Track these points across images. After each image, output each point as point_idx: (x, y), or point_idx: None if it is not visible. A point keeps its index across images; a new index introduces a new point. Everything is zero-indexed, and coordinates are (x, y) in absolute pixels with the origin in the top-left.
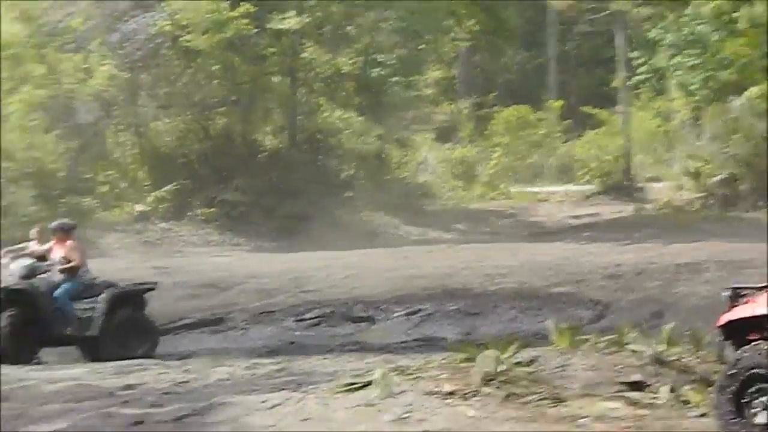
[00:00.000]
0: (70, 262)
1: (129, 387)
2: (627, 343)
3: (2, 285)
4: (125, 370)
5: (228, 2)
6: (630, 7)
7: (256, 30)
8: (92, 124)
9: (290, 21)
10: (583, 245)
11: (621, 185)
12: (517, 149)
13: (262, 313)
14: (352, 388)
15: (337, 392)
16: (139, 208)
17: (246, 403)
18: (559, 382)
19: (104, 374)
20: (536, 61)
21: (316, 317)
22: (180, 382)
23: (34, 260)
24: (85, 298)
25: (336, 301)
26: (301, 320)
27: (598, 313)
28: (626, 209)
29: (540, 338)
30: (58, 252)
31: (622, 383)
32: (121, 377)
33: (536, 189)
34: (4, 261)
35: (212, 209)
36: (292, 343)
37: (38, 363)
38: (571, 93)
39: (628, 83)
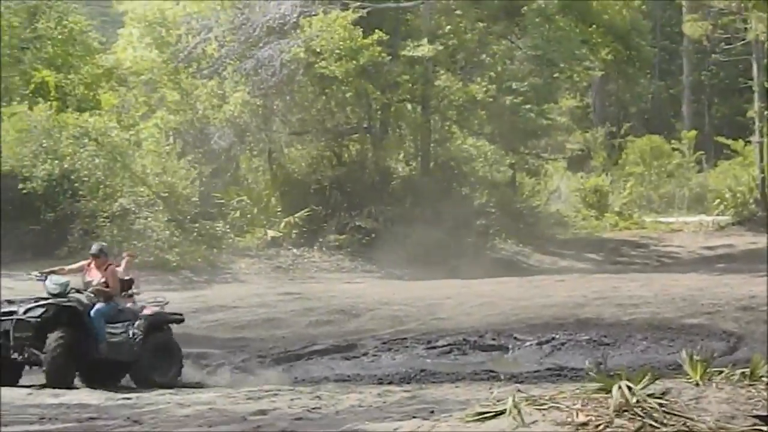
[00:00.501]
0: (108, 286)
1: (261, 412)
2: (762, 376)
3: (50, 300)
4: (257, 395)
5: (362, 30)
6: (766, 36)
7: (389, 57)
8: (225, 150)
9: (423, 49)
10: (717, 276)
11: (756, 216)
12: (650, 179)
13: (393, 340)
14: (485, 417)
15: (469, 421)
16: (271, 233)
17: (377, 430)
18: (693, 415)
19: (237, 399)
20: (670, 91)
21: (447, 345)
22: (312, 408)
23: (68, 279)
24: (115, 323)
25: (468, 329)
26: (433, 348)
27: (731, 345)
28: (761, 240)
29: (673, 370)
30: (95, 275)
31: (756, 416)
32: (253, 402)
33: (670, 219)
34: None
35: (344, 236)
36: (423, 370)
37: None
38: (705, 123)
39: (764, 113)
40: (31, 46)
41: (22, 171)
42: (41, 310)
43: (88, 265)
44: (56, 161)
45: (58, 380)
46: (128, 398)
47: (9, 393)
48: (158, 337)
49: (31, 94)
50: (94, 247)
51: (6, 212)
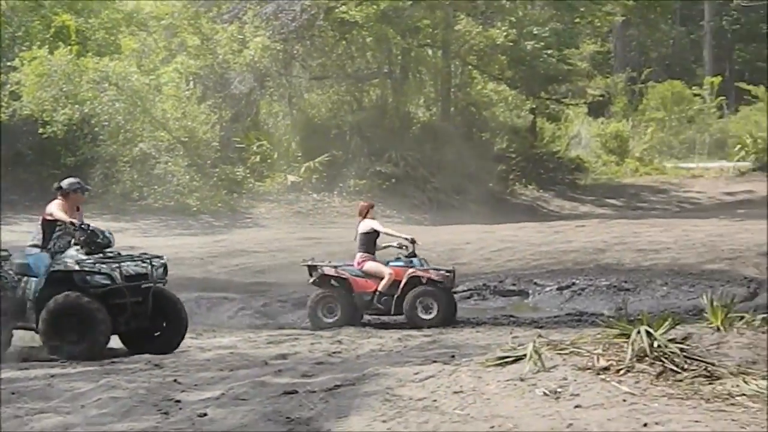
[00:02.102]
0: None
1: (282, 357)
2: None
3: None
4: (278, 339)
5: None
6: None
7: (409, 2)
8: (245, 95)
9: None
10: (738, 222)
11: None
12: (671, 125)
13: None
14: (505, 361)
15: (489, 365)
16: (291, 178)
17: (398, 374)
18: (713, 360)
19: (257, 343)
20: (691, 36)
21: (468, 290)
22: (332, 353)
23: None
24: None
25: (488, 274)
26: (454, 292)
27: (752, 291)
28: None
29: (694, 315)
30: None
31: None
32: (274, 347)
33: (690, 165)
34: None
35: (364, 181)
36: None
37: None
38: (726, 68)
39: None
40: None
41: (43, 115)
42: None
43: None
44: (76, 106)
45: None
46: None
47: None
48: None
49: (51, 39)
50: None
51: (26, 157)
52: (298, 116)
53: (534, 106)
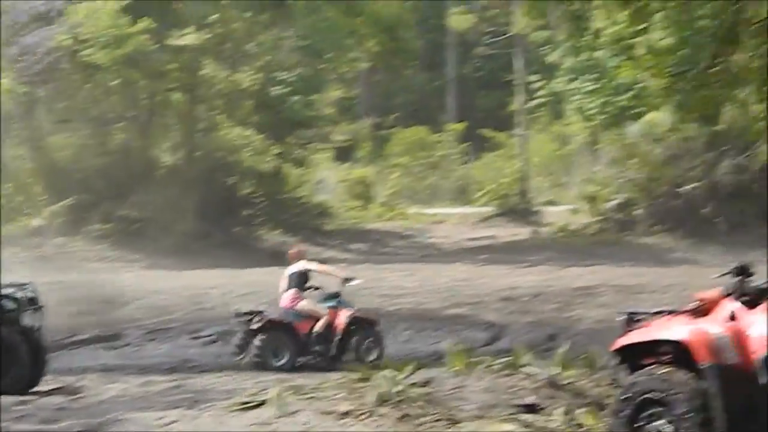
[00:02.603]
0: None
1: (22, 402)
2: (522, 366)
3: None
4: None
5: (128, 17)
6: (529, 31)
7: (156, 46)
8: None
9: (190, 37)
10: (480, 267)
11: (518, 208)
12: (415, 170)
13: (158, 329)
14: (248, 406)
15: (233, 410)
16: (35, 222)
17: (141, 420)
18: (454, 404)
19: None
20: (436, 83)
21: (212, 334)
22: (74, 398)
23: None
24: None
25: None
26: (198, 338)
27: (493, 335)
28: (523, 232)
29: (436, 359)
30: None
31: (516, 406)
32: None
33: (434, 210)
34: None
35: (109, 225)
36: (188, 360)
37: None
38: (469, 115)
39: (526, 106)
40: None
41: None
42: None
43: None
44: None
45: None
46: None
47: None
48: None
49: None
50: None
51: None
52: (42, 159)
53: (280, 151)
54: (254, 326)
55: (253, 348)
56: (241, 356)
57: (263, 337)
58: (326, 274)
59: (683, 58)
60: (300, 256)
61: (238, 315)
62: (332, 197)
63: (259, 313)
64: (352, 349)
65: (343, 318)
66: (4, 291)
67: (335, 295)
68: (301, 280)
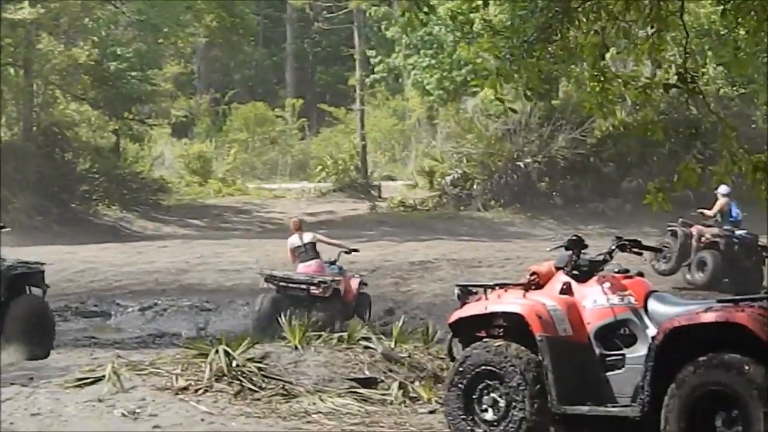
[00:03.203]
0: None
1: None
2: (359, 340)
3: None
4: None
5: None
6: (367, 6)
7: None
8: None
9: (24, 11)
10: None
11: (356, 183)
12: (254, 146)
13: None
14: (84, 383)
15: (68, 387)
16: None
17: None
18: (291, 378)
19: None
20: (274, 58)
21: None
22: None
23: None
24: None
25: (70, 295)
26: None
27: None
28: (361, 207)
29: (274, 334)
30: None
31: (353, 379)
32: None
33: (272, 186)
34: None
35: None
36: None
37: None
38: (308, 91)
39: (365, 82)
40: None
41: None
42: None
43: None
44: None
45: None
46: None
47: None
48: None
49: None
50: None
51: None
52: None
53: (117, 127)
54: (325, 293)
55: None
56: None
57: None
58: (332, 245)
59: (517, 34)
60: (300, 226)
61: (271, 279)
62: (170, 173)
63: (323, 282)
64: (360, 313)
65: (355, 284)
66: None
67: (333, 263)
68: (316, 250)
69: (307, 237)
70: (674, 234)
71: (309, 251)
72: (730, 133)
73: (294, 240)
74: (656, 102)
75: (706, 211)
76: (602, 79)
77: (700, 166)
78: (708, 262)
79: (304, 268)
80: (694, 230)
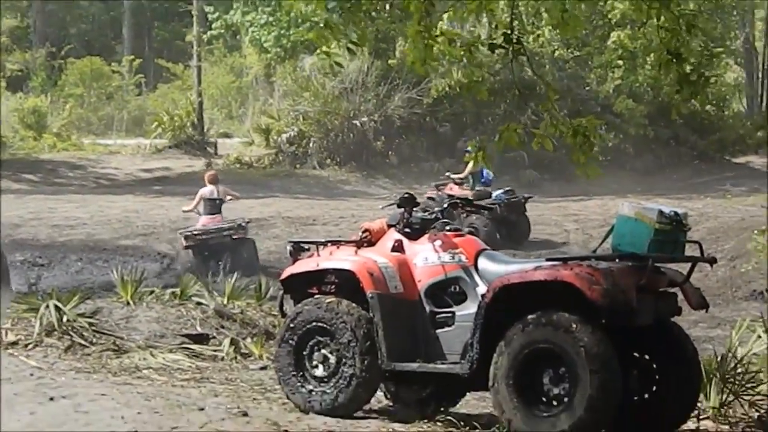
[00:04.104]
0: None
1: None
2: (191, 296)
3: None
4: None
5: None
6: None
7: None
8: None
9: None
10: (154, 198)
11: (193, 140)
12: (90, 101)
13: None
14: None
15: None
16: None
17: None
18: (123, 334)
19: None
20: (111, 13)
21: None
22: None
23: None
24: None
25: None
26: None
27: (165, 266)
28: (198, 164)
29: (107, 290)
30: None
31: (185, 336)
32: None
33: (108, 141)
34: None
35: None
36: None
37: None
38: (145, 46)
39: (202, 38)
40: None
41: None
42: None
43: None
44: None
45: None
46: None
47: None
48: None
49: None
50: None
51: None
52: None
53: None
54: (245, 235)
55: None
56: None
57: None
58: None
59: None
60: (216, 180)
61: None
62: (5, 127)
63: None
64: None
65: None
66: None
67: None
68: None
69: (221, 191)
70: (432, 198)
71: (219, 205)
72: (553, 95)
73: (208, 191)
74: (487, 62)
75: (454, 175)
76: (426, 36)
77: (527, 128)
78: (478, 227)
79: (210, 220)
80: (448, 193)
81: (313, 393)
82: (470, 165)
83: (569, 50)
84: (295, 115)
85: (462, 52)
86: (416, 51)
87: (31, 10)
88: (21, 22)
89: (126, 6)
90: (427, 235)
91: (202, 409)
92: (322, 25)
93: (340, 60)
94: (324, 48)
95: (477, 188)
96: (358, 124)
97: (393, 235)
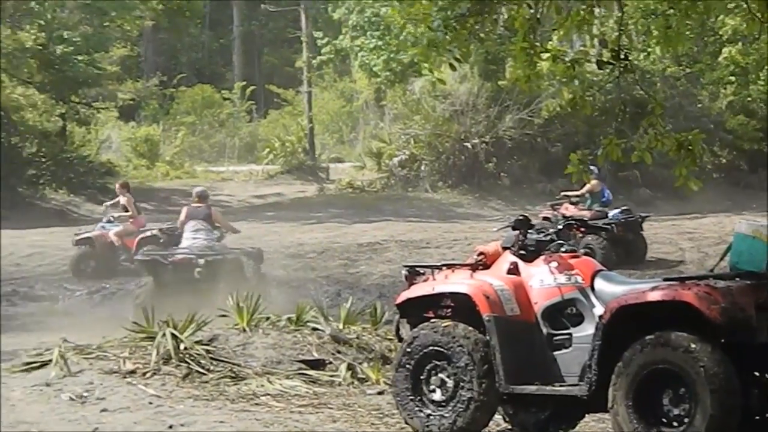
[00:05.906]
0: None
1: None
2: (307, 322)
3: None
4: None
5: None
6: None
7: None
8: None
9: None
10: (267, 224)
11: (304, 165)
12: (201, 129)
13: None
14: (31, 367)
15: (15, 372)
16: None
17: None
18: (239, 360)
19: None
20: (221, 41)
21: None
22: None
23: None
24: None
25: (18, 279)
26: None
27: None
28: (310, 189)
29: (221, 317)
30: None
31: (301, 361)
32: None
33: (220, 168)
34: None
35: None
36: None
37: None
38: (255, 73)
39: (312, 63)
40: None
41: None
42: None
43: None
44: None
45: None
46: None
47: None
48: None
49: None
50: None
51: None
52: None
53: (64, 111)
54: None
55: None
56: None
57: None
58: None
59: (452, 6)
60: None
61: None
62: (118, 156)
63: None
64: None
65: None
66: None
67: None
68: None
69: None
70: (547, 218)
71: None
72: (658, 110)
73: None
74: (598, 81)
75: (570, 193)
76: (531, 52)
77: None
78: (594, 247)
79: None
80: (564, 213)
81: (432, 417)
82: (588, 185)
83: (680, 67)
84: (405, 138)
85: (565, 69)
86: (521, 67)
87: (142, 40)
88: (132, 51)
89: (236, 33)
90: (542, 257)
91: None
92: (425, 42)
93: (444, 77)
94: (427, 65)
95: (596, 208)
96: (469, 146)
97: (508, 258)
